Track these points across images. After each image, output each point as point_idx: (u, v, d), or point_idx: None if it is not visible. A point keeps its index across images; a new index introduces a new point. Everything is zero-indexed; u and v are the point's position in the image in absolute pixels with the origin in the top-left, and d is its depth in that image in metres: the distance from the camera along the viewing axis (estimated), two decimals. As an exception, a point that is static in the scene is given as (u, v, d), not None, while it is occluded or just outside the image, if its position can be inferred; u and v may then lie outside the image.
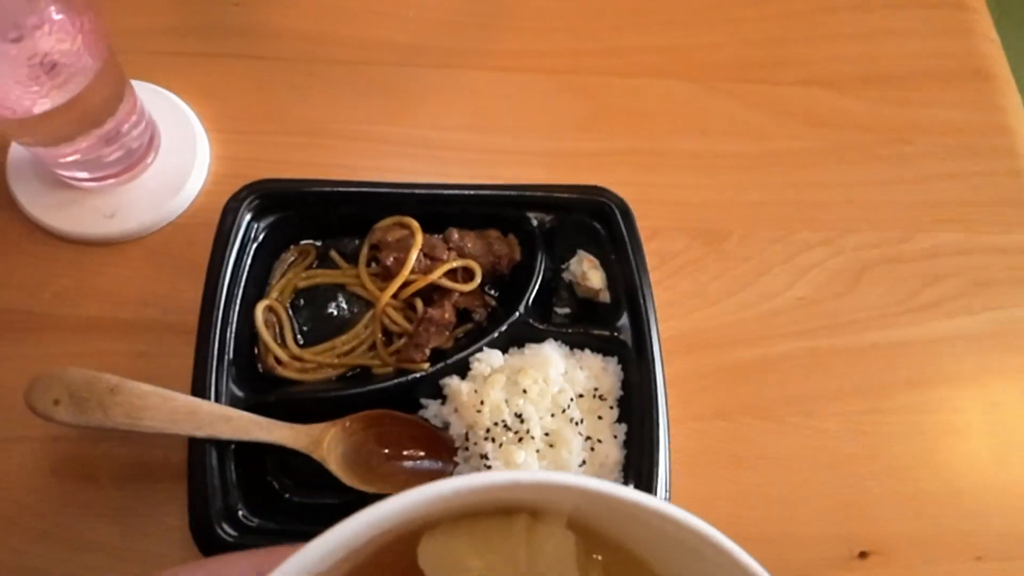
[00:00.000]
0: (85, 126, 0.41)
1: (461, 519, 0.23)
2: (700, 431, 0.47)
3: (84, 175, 0.45)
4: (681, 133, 0.55)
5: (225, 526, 0.37)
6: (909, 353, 0.51)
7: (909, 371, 0.51)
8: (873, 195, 0.55)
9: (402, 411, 0.42)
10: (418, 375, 0.42)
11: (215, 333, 0.40)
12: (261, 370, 0.44)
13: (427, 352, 0.43)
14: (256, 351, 0.44)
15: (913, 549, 0.46)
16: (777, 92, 0.58)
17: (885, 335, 0.51)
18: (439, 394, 0.43)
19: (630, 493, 0.19)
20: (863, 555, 0.46)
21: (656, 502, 0.19)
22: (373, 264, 0.46)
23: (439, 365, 0.42)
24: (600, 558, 0.24)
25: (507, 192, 0.46)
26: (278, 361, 0.43)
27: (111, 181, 0.46)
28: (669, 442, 0.41)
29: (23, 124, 0.38)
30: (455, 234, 0.46)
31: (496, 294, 0.48)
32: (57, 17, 0.33)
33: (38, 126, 0.39)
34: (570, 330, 0.45)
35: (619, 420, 0.43)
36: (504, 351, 0.44)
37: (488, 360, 0.43)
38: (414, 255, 0.44)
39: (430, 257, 0.45)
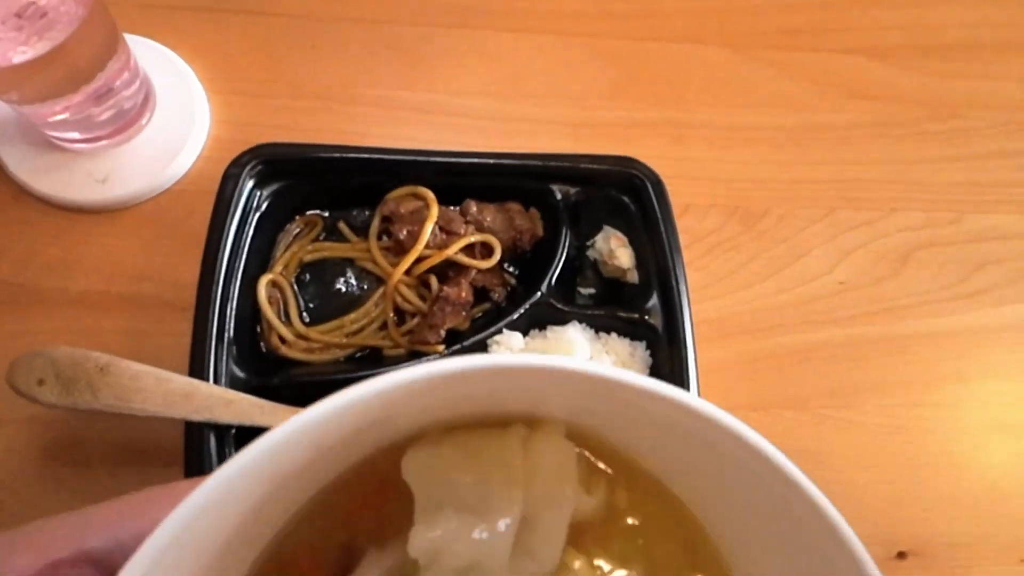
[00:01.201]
0: (73, 82, 0.38)
1: (450, 431, 0.20)
2: (731, 423, 0.44)
3: (74, 135, 0.42)
4: (716, 104, 0.52)
5: (224, 518, 0.34)
6: (955, 343, 0.48)
7: (955, 363, 0.47)
8: (920, 173, 0.52)
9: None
10: (432, 357, 0.39)
11: (214, 309, 0.37)
12: (264, 350, 0.41)
13: (442, 333, 0.40)
14: (258, 329, 0.41)
15: (954, 551, 0.44)
16: (820, 61, 0.54)
17: (930, 323, 0.48)
18: (454, 379, 0.40)
19: (638, 379, 0.16)
20: (901, 555, 0.43)
21: (666, 387, 0.16)
22: (385, 237, 0.43)
23: (455, 347, 0.39)
24: (609, 469, 0.22)
25: (530, 162, 0.43)
26: (282, 340, 0.40)
27: (103, 143, 0.43)
28: (702, 435, 0.38)
29: (3, 77, 0.35)
30: (473, 207, 0.42)
31: (516, 272, 0.45)
32: (38, -45, 0.30)
33: (21, 79, 0.36)
34: (595, 312, 0.42)
35: (647, 410, 0.40)
36: (525, 333, 0.41)
37: (508, 343, 0.40)
38: (429, 228, 0.40)
39: (446, 231, 0.42)
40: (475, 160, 0.42)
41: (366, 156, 0.41)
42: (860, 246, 0.49)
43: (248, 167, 0.40)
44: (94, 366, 0.33)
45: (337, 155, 0.41)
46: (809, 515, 0.16)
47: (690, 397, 0.16)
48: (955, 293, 0.49)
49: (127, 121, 0.43)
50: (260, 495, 0.17)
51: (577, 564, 0.20)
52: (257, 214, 0.41)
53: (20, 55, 0.33)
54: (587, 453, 0.22)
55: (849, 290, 0.48)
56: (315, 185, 0.42)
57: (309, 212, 0.43)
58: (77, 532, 0.18)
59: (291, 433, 0.15)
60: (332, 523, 0.21)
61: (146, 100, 0.44)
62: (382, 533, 0.21)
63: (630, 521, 0.22)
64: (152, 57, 0.46)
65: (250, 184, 0.40)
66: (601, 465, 0.22)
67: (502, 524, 0.19)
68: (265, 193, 0.41)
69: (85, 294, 0.42)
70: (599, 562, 0.21)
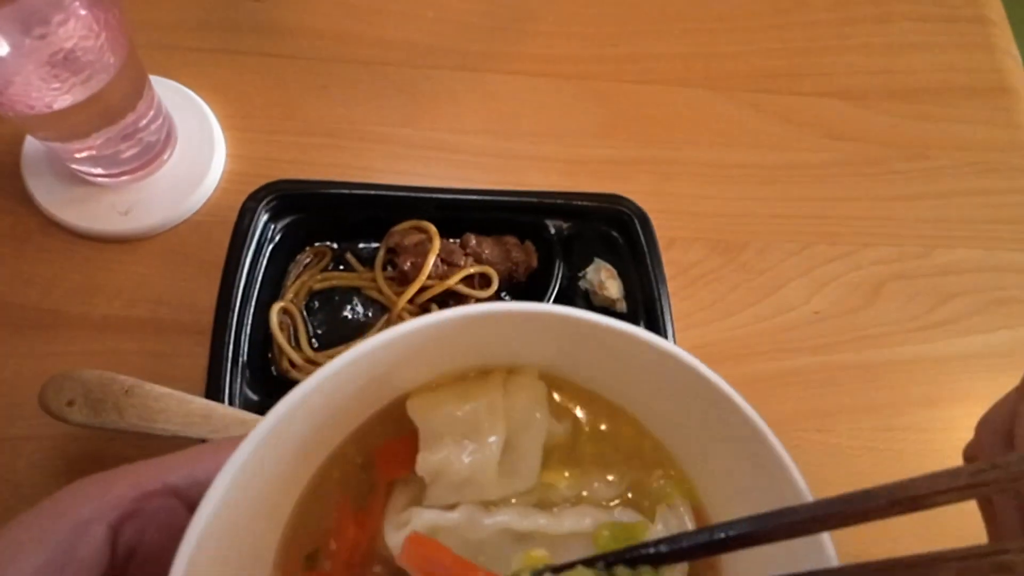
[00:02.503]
0: (104, 122, 0.41)
1: (444, 382, 0.25)
2: (713, 444, 0.47)
3: (100, 171, 0.45)
4: (700, 142, 0.55)
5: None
6: (924, 370, 0.51)
7: (924, 388, 0.50)
8: (892, 210, 0.55)
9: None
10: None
11: (230, 334, 0.40)
12: (275, 373, 0.43)
13: (443, 359, 0.43)
14: (270, 354, 0.43)
15: None
16: (797, 103, 0.57)
17: (900, 351, 0.51)
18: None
19: (598, 317, 0.21)
20: None
21: (620, 323, 0.21)
22: (389, 268, 0.46)
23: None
24: (576, 409, 0.27)
25: (526, 199, 0.46)
26: (292, 364, 0.43)
27: (127, 177, 0.46)
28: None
29: (42, 120, 0.38)
30: (472, 240, 0.46)
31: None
32: (82, 13, 0.33)
33: (57, 122, 0.39)
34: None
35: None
36: (520, 359, 0.43)
37: (504, 368, 0.42)
38: (431, 260, 0.43)
39: (447, 263, 0.45)
40: (474, 196, 0.46)
41: (373, 192, 0.45)
42: (835, 278, 0.52)
43: (264, 201, 0.43)
44: (120, 388, 0.36)
45: (346, 191, 0.44)
46: (728, 411, 0.22)
47: (637, 329, 0.21)
48: (924, 323, 0.52)
49: (150, 157, 0.46)
50: (308, 429, 0.21)
51: (552, 477, 0.26)
52: (271, 245, 0.44)
53: (61, 102, 0.36)
54: (556, 395, 0.27)
55: (824, 319, 0.51)
56: (325, 218, 0.45)
57: (319, 244, 0.46)
58: (162, 471, 0.22)
59: (319, 381, 0.19)
60: (363, 455, 0.26)
61: (168, 137, 0.47)
62: (402, 467, 0.26)
63: (593, 438, 0.27)
64: (174, 97, 0.49)
65: (265, 217, 0.43)
66: (570, 406, 0.27)
67: (489, 445, 0.24)
68: (279, 225, 0.44)
69: (107, 318, 0.44)
70: (570, 474, 0.26)
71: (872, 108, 0.58)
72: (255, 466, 0.19)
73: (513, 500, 0.25)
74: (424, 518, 0.24)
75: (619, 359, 0.23)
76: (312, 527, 0.25)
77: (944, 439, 0.49)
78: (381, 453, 0.26)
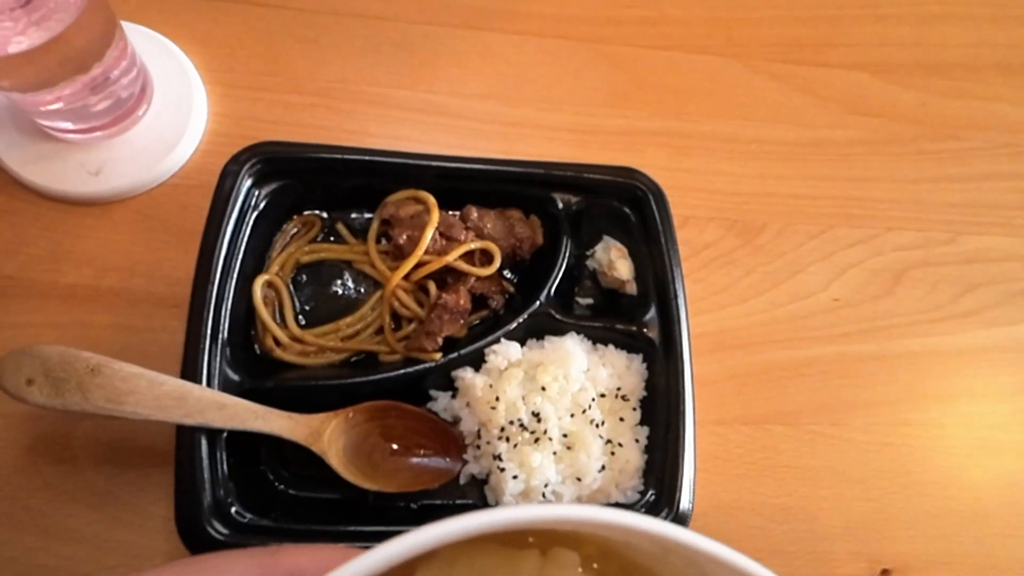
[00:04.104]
0: (69, 71, 0.37)
1: (463, 547, 0.19)
2: (723, 436, 0.45)
3: (68, 126, 0.41)
4: (718, 115, 0.51)
5: (215, 523, 0.34)
6: (944, 363, 0.48)
7: (942, 382, 0.48)
8: (917, 192, 0.52)
9: (409, 402, 0.39)
10: (429, 365, 0.39)
11: (209, 308, 0.37)
12: (258, 352, 0.40)
13: (439, 341, 0.40)
14: (253, 331, 0.40)
15: (936, 569, 0.44)
16: (822, 75, 0.54)
17: (920, 343, 0.48)
18: (450, 386, 0.40)
19: (658, 526, 0.16)
20: (885, 573, 0.44)
21: (686, 534, 0.16)
22: (383, 241, 0.43)
23: (452, 355, 0.39)
24: None
25: (533, 170, 0.43)
26: (277, 343, 0.40)
27: (98, 134, 0.42)
28: (696, 450, 0.39)
29: (-2, 65, 0.34)
30: (474, 212, 0.42)
31: (515, 279, 0.44)
32: (36, -58, 0.29)
33: (15, 68, 0.35)
34: (594, 324, 0.42)
35: (641, 423, 0.41)
36: (522, 343, 0.41)
37: (505, 353, 0.40)
38: (429, 234, 0.40)
39: (446, 237, 0.41)
40: (477, 166, 0.42)
41: (367, 158, 0.41)
42: (856, 264, 0.49)
43: (247, 164, 0.39)
44: (84, 367, 0.33)
45: (337, 156, 0.41)
46: None
47: (696, 536, 0.16)
48: (946, 313, 0.49)
49: (123, 112, 0.42)
50: None
51: None
52: (255, 212, 0.40)
53: (16, 45, 0.32)
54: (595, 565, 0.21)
55: (843, 307, 0.48)
56: (314, 185, 0.42)
57: (307, 212, 0.43)
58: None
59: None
60: None
61: (143, 91, 0.43)
62: None
63: None
64: (150, 46, 0.45)
65: (249, 182, 0.39)
66: None
67: None
68: (263, 191, 0.40)
69: (75, 288, 0.41)
70: None
71: (901, 83, 0.54)
72: None
73: None
74: None
75: (684, 560, 0.19)
76: None
77: (961, 436, 0.47)
78: None
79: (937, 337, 0.49)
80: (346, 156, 0.41)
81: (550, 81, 0.50)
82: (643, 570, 0.21)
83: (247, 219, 0.40)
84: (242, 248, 0.39)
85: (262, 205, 0.40)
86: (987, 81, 0.55)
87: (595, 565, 0.21)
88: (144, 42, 0.45)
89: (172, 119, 0.44)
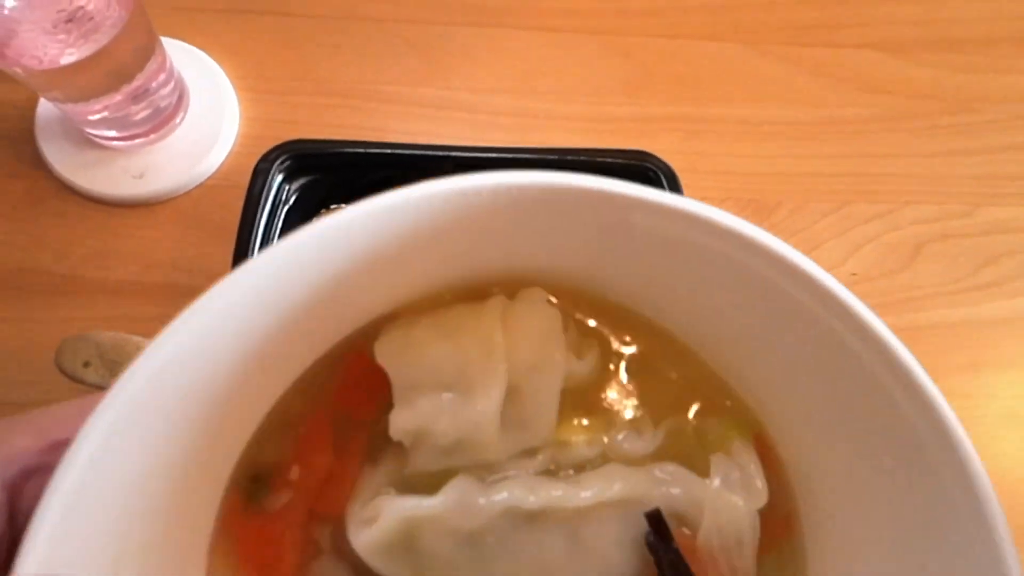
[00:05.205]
0: (113, 81, 0.40)
1: (424, 311, 0.19)
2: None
3: (112, 133, 0.44)
4: (730, 99, 0.52)
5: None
6: (968, 335, 0.48)
7: (967, 354, 0.48)
8: (934, 166, 0.52)
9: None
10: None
11: (245, 298, 0.39)
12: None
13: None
14: (286, 317, 0.42)
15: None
16: (834, 56, 0.54)
17: (942, 315, 0.49)
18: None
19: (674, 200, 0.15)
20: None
21: (718, 216, 0.14)
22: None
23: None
24: (600, 331, 0.20)
25: (548, 156, 0.44)
26: (309, 328, 0.42)
27: (140, 140, 0.45)
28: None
29: (50, 76, 0.37)
30: (492, 200, 0.44)
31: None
32: (84, -39, 0.32)
33: (66, 79, 0.38)
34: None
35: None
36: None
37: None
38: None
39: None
40: (493, 155, 0.44)
41: (388, 151, 0.43)
42: (873, 239, 0.50)
43: (277, 162, 0.42)
44: (134, 348, 0.35)
45: (360, 150, 0.43)
46: (857, 339, 0.15)
47: (750, 229, 0.14)
48: (967, 285, 0.49)
49: (162, 120, 0.45)
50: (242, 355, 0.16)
51: (566, 432, 0.19)
52: (285, 207, 0.43)
53: (68, 57, 0.35)
54: (577, 314, 0.20)
55: (861, 282, 0.49)
56: (340, 179, 0.44)
57: (334, 205, 0.45)
58: (78, 416, 0.17)
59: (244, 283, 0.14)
60: (325, 397, 0.20)
61: (180, 100, 0.46)
62: (377, 414, 0.20)
63: (620, 375, 0.20)
64: (186, 58, 0.48)
65: (279, 178, 0.42)
66: (592, 323, 0.20)
67: (485, 397, 0.18)
68: (293, 187, 0.43)
69: (122, 283, 0.44)
70: (590, 424, 0.20)
71: (913, 60, 0.55)
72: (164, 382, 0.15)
73: (511, 473, 0.19)
74: (397, 509, 0.18)
75: (686, 266, 0.16)
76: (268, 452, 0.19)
77: (987, 406, 0.47)
78: (340, 395, 0.20)
79: (959, 309, 0.49)
80: (368, 150, 0.43)
81: (562, 74, 0.52)
82: (613, 309, 0.20)
83: (279, 213, 0.42)
84: (275, 240, 0.41)
85: (292, 199, 0.43)
86: (1000, 54, 0.55)
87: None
88: (180, 54, 0.48)
89: (207, 125, 0.47)
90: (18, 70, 0.35)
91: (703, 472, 0.19)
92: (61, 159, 0.45)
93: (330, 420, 0.20)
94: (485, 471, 0.19)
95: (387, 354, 0.19)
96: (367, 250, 0.16)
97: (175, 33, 0.49)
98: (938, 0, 0.57)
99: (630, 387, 0.20)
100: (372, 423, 0.20)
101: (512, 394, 0.19)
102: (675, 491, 0.19)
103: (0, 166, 0.46)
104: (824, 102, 0.53)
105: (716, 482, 0.19)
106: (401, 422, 0.19)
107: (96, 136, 0.44)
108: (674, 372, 0.20)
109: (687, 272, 0.17)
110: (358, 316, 0.19)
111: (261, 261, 0.14)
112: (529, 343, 0.19)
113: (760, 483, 0.19)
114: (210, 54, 0.49)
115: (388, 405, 0.19)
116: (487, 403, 0.18)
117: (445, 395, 0.19)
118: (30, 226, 0.44)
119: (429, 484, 0.19)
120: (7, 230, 0.44)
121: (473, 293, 0.20)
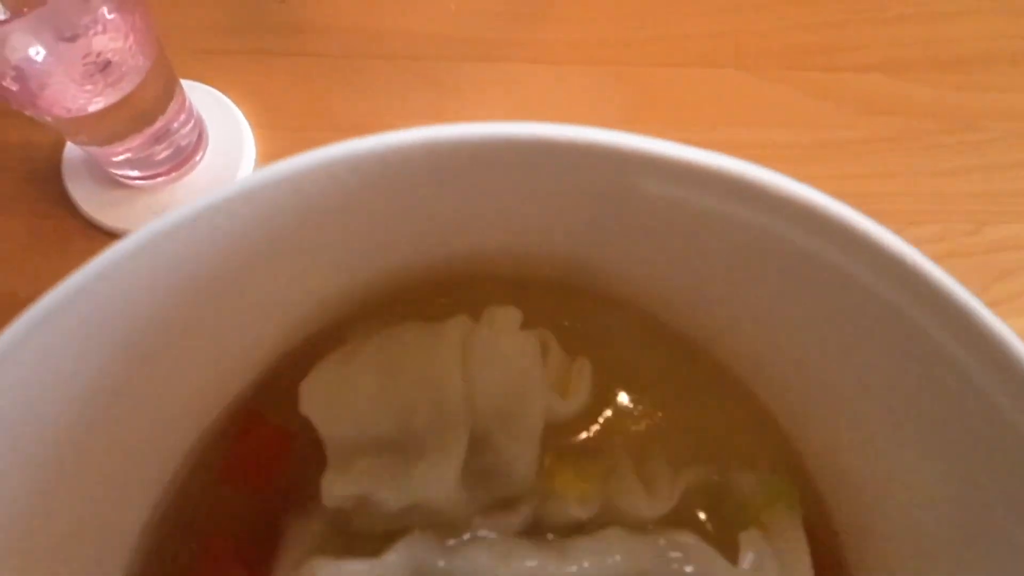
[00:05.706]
0: (137, 124, 0.42)
1: (363, 341, 0.14)
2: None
3: (135, 173, 0.46)
4: (730, 123, 0.53)
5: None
6: (977, 352, 0.48)
7: (977, 371, 0.48)
8: (937, 185, 0.52)
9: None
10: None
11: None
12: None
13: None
14: (303, 348, 0.44)
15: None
16: (834, 79, 0.55)
17: (951, 333, 0.49)
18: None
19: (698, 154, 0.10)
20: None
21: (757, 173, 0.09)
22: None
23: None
24: (589, 334, 0.15)
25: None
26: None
27: (161, 179, 0.47)
28: None
29: (78, 123, 0.39)
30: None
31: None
32: (110, 16, 0.34)
33: (92, 125, 0.40)
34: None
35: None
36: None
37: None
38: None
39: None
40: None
41: (400, 184, 0.44)
42: (878, 258, 0.50)
43: (292, 198, 0.43)
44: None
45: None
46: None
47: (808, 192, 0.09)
48: (976, 302, 0.49)
49: (183, 159, 0.47)
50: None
51: (555, 484, 0.14)
52: (301, 241, 0.44)
53: (95, 105, 0.37)
54: (565, 322, 0.15)
55: (868, 301, 0.49)
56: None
57: (348, 238, 0.47)
58: None
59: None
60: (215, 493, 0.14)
61: (199, 139, 0.48)
62: (300, 489, 0.15)
63: (625, 409, 0.15)
64: (204, 99, 0.50)
65: (294, 213, 0.43)
66: (583, 343, 0.15)
67: (441, 464, 0.14)
68: (308, 221, 0.44)
69: (146, 317, 0.45)
70: (584, 476, 0.15)
71: (914, 80, 0.55)
72: None
73: (481, 533, 0.14)
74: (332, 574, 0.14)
75: (732, 256, 0.11)
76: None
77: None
78: (236, 459, 0.15)
79: (968, 327, 0.49)
80: (381, 184, 0.44)
81: (568, 104, 0.53)
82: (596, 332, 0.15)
83: (294, 247, 0.43)
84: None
85: (307, 233, 0.44)
86: (1001, 73, 0.55)
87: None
88: (199, 95, 0.50)
89: (225, 162, 0.49)
90: (48, 118, 0.37)
91: (730, 548, 0.14)
92: (87, 198, 0.47)
93: (230, 522, 0.15)
94: (447, 529, 0.15)
95: (314, 402, 0.15)
96: (292, 231, 0.11)
97: (194, 76, 0.51)
98: (936, 22, 0.58)
99: (638, 423, 0.16)
100: (291, 494, 0.16)
101: (478, 444, 0.15)
102: (688, 570, 0.14)
103: (30, 205, 0.48)
104: (826, 124, 0.54)
105: (745, 564, 0.14)
106: (337, 490, 0.15)
107: (120, 175, 0.46)
108: (701, 402, 0.15)
109: (727, 264, 0.12)
110: (262, 341, 0.14)
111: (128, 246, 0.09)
112: (497, 384, 0.15)
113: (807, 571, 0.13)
114: (227, 94, 0.51)
115: (312, 460, 0.15)
116: (443, 470, 0.14)
117: (389, 458, 0.14)
118: (57, 263, 0.46)
119: (374, 542, 0.14)
120: (37, 265, 0.46)
121: (427, 299, 0.15)
